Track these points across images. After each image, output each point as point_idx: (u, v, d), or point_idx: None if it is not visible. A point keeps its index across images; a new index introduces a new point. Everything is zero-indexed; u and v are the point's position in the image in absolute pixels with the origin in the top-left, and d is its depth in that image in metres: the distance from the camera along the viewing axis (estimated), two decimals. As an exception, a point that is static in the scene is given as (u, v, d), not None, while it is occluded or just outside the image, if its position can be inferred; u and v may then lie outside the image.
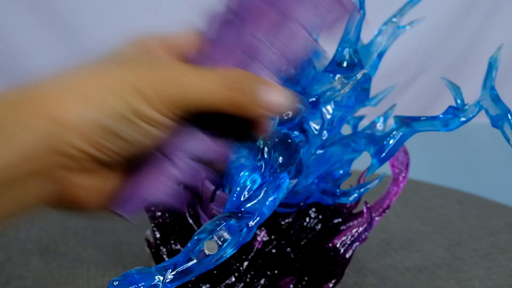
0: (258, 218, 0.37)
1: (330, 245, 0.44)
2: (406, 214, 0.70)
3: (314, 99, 0.41)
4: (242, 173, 0.38)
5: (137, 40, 0.30)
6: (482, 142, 1.33)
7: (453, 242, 0.62)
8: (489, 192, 0.82)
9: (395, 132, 0.41)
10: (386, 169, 0.48)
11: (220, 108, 0.26)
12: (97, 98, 0.24)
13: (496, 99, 0.41)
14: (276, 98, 0.27)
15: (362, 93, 0.48)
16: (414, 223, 0.67)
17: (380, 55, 0.51)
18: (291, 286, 0.43)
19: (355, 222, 0.46)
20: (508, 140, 0.40)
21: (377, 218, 0.48)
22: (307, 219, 0.45)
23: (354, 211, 0.49)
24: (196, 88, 0.25)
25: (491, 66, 0.43)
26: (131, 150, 0.26)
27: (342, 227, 0.46)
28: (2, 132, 0.23)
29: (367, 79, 0.48)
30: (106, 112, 0.24)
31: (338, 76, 0.41)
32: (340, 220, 0.47)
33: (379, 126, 0.46)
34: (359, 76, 0.41)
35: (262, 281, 0.44)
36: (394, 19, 0.51)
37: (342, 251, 0.44)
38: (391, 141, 0.40)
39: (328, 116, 0.45)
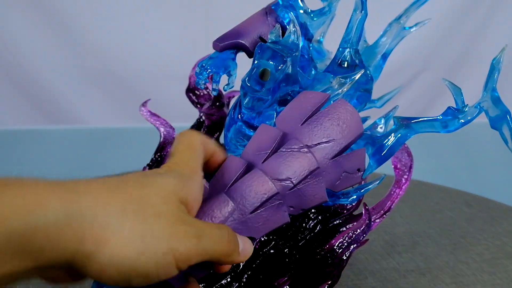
0: None
1: (328, 246, 0.46)
2: (413, 216, 0.72)
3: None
4: None
5: (185, 137, 0.36)
6: (487, 142, 1.34)
7: (459, 245, 0.63)
8: (493, 194, 0.83)
9: (393, 133, 0.43)
10: (386, 170, 0.49)
11: (218, 258, 0.33)
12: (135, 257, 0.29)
13: (496, 100, 0.43)
14: (248, 248, 0.36)
15: (364, 94, 0.50)
16: (420, 226, 0.69)
17: (385, 56, 0.53)
18: (287, 286, 0.45)
19: (356, 223, 0.48)
20: (506, 141, 0.41)
21: (377, 220, 0.49)
22: (306, 219, 0.47)
23: (356, 212, 0.51)
24: (215, 252, 0.33)
25: (493, 68, 0.44)
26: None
27: (342, 229, 0.48)
28: None
29: (369, 80, 0.49)
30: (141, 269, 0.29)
31: (337, 76, 0.43)
32: (340, 221, 0.48)
33: (380, 127, 0.47)
34: (357, 76, 0.43)
35: (258, 281, 0.45)
36: (399, 20, 0.52)
37: (339, 252, 0.45)
38: (389, 142, 0.42)
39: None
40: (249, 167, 0.38)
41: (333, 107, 0.39)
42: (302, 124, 0.39)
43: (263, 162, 0.37)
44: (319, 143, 0.38)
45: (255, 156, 0.38)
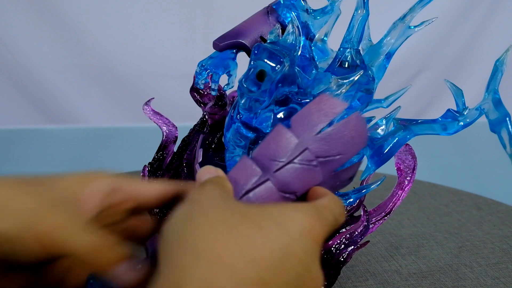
0: None
1: (325, 247, 0.47)
2: (420, 219, 0.73)
3: (311, 99, 0.44)
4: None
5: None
6: (497, 143, 1.35)
7: (464, 248, 0.65)
8: (502, 196, 0.84)
9: (392, 135, 0.44)
10: (387, 170, 0.51)
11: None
12: None
13: (497, 103, 0.44)
14: None
15: (365, 95, 0.51)
16: (427, 228, 0.70)
17: (389, 56, 0.54)
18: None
19: (354, 225, 0.50)
20: (504, 146, 0.42)
21: (378, 222, 0.51)
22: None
23: (356, 213, 0.53)
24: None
25: (497, 69, 0.45)
26: None
27: (342, 230, 0.49)
28: None
29: (370, 80, 0.51)
30: None
31: (335, 77, 0.45)
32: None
33: (381, 129, 0.49)
34: (355, 77, 0.44)
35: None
36: (404, 19, 0.54)
37: (336, 254, 0.47)
38: (388, 144, 0.44)
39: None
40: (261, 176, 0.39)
41: (348, 122, 0.40)
42: (317, 134, 0.40)
43: (275, 172, 0.39)
44: (328, 156, 0.40)
45: (269, 163, 0.39)
